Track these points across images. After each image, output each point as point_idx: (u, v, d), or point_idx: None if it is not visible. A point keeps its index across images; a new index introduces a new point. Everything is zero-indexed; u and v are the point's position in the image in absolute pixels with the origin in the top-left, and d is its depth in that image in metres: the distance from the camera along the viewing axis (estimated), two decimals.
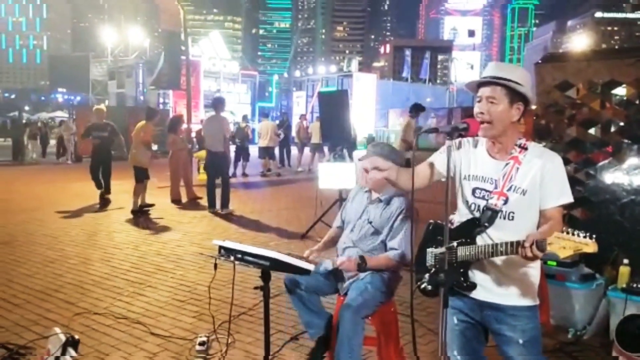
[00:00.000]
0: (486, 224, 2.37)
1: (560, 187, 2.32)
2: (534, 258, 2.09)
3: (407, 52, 53.18)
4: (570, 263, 4.64)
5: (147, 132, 10.44)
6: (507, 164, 2.37)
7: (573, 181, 6.02)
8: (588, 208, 6.05)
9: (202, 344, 4.13)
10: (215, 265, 3.29)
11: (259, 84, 47.02)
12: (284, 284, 3.59)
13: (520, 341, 2.37)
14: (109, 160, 11.20)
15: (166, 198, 11.49)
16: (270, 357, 3.36)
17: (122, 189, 12.17)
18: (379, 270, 3.45)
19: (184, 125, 13.66)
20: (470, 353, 2.52)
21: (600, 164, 5.97)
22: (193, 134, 17.60)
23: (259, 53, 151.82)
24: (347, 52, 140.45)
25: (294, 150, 20.16)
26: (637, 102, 5.76)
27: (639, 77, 5.69)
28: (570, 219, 6.06)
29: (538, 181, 2.31)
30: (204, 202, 11.42)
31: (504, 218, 2.35)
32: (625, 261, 4.60)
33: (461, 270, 2.41)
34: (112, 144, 11.20)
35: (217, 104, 10.18)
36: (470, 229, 2.40)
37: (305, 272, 3.20)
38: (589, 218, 6.03)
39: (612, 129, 5.96)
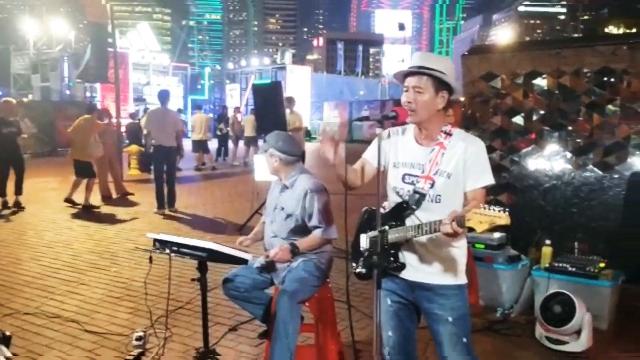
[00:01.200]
0: (414, 207, 2.47)
1: (481, 170, 2.44)
2: (454, 234, 2.18)
3: (340, 45, 53.59)
4: (497, 245, 4.87)
5: (94, 124, 10.17)
6: (433, 150, 2.48)
7: (499, 168, 6.33)
8: (513, 193, 6.34)
9: (139, 339, 4.07)
10: (151, 259, 3.26)
11: (191, 77, 46.16)
12: (225, 294, 3.63)
13: (450, 319, 2.48)
14: (20, 158, 10.16)
15: (96, 194, 11.17)
16: (210, 348, 3.38)
17: (48, 186, 11.73)
18: (309, 256, 3.52)
19: (114, 120, 13.25)
20: (403, 333, 2.62)
21: (524, 151, 6.28)
22: (123, 128, 17.11)
23: (190, 45, 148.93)
24: (280, 44, 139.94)
25: (229, 144, 19.97)
26: (557, 91, 6.07)
27: (558, 68, 6.00)
28: (497, 204, 6.34)
29: (462, 165, 2.43)
30: (135, 198, 11.18)
31: (432, 201, 2.46)
32: (548, 242, 4.86)
33: (392, 252, 2.51)
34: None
35: (163, 96, 9.69)
36: (400, 213, 2.50)
37: (243, 261, 3.24)
38: (514, 203, 6.32)
39: (535, 118, 6.26)
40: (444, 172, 2.44)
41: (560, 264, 4.52)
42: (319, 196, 3.52)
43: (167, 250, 3.18)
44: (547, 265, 4.60)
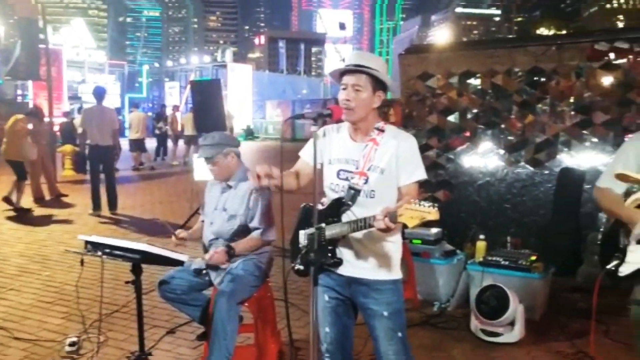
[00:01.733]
0: (350, 203, 2.49)
1: (414, 165, 2.49)
2: (387, 230, 2.21)
3: (282, 44, 53.46)
4: (433, 241, 4.97)
5: (24, 126, 9.77)
6: (366, 146, 2.51)
7: (435, 166, 6.47)
8: (449, 190, 6.50)
9: (72, 344, 3.94)
10: (82, 262, 3.16)
11: (129, 74, 45.00)
12: (161, 296, 3.56)
13: (385, 314, 2.51)
14: None
15: (28, 196, 10.72)
16: (145, 351, 3.30)
17: None
18: (249, 256, 3.49)
19: (46, 119, 12.74)
20: (341, 328, 2.63)
21: (459, 149, 6.44)
22: (56, 127, 16.50)
23: (128, 42, 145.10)
24: (221, 42, 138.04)
25: (169, 143, 19.58)
26: (490, 91, 6.26)
27: (491, 67, 6.18)
28: (434, 201, 6.48)
29: (394, 161, 2.47)
30: (70, 199, 10.80)
31: (366, 196, 2.48)
32: (481, 237, 5.00)
33: (329, 248, 2.52)
34: None
35: (99, 93, 9.27)
36: (337, 209, 2.52)
37: (178, 263, 3.18)
38: (451, 199, 6.48)
39: (469, 116, 6.43)
40: (377, 168, 2.47)
41: (494, 258, 4.66)
42: (263, 196, 3.49)
43: (99, 253, 3.09)
44: (481, 259, 4.73)
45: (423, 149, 6.50)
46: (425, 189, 6.49)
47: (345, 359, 2.68)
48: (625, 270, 2.41)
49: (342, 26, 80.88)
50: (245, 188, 3.54)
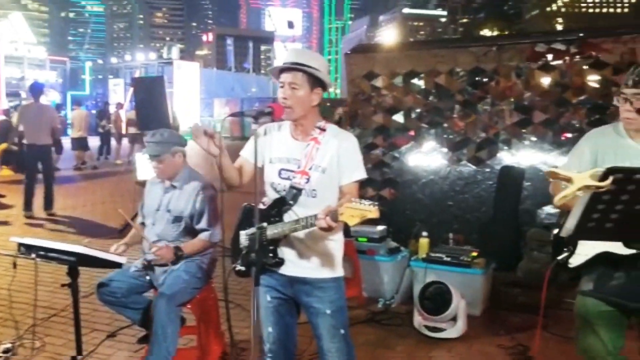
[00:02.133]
0: (291, 202, 2.49)
1: (355, 164, 2.50)
2: (329, 229, 2.21)
3: (229, 42, 52.90)
4: (378, 238, 5.02)
5: None
6: (308, 145, 2.51)
7: (380, 164, 6.54)
8: (394, 188, 6.58)
9: (6, 351, 3.79)
10: (15, 265, 3.04)
11: (71, 71, 43.62)
12: (100, 300, 3.46)
13: (328, 312, 2.52)
14: None
15: None
16: (83, 356, 3.21)
17: None
18: (192, 257, 3.43)
19: None
20: (284, 328, 2.62)
21: (404, 147, 6.52)
22: None
23: (70, 38, 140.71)
24: (167, 39, 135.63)
25: (112, 142, 19.09)
26: (434, 90, 6.36)
27: (434, 68, 6.29)
28: (380, 198, 6.55)
29: (336, 160, 2.48)
30: (7, 200, 10.38)
31: (308, 195, 2.48)
32: (424, 234, 5.07)
33: (271, 248, 2.50)
34: None
35: (36, 90, 8.87)
36: (278, 208, 2.51)
37: (116, 265, 3.10)
38: (396, 197, 6.56)
39: (413, 116, 6.52)
40: (318, 167, 2.47)
41: (436, 255, 4.74)
42: (210, 196, 3.44)
43: (33, 255, 2.98)
44: (424, 256, 4.80)
45: (369, 147, 6.56)
46: (372, 187, 6.55)
47: (288, 359, 2.67)
48: (575, 261, 2.47)
49: (290, 25, 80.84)
50: (191, 189, 3.48)
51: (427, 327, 4.23)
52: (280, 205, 2.50)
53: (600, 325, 2.46)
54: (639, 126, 2.33)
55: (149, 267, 3.46)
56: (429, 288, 4.32)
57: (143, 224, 3.67)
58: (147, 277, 3.50)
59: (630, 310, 2.43)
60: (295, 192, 2.48)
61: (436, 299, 4.25)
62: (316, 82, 2.46)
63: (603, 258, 2.38)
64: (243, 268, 2.57)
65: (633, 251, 2.10)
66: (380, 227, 5.09)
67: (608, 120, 5.47)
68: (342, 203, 2.17)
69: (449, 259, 4.67)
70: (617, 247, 2.26)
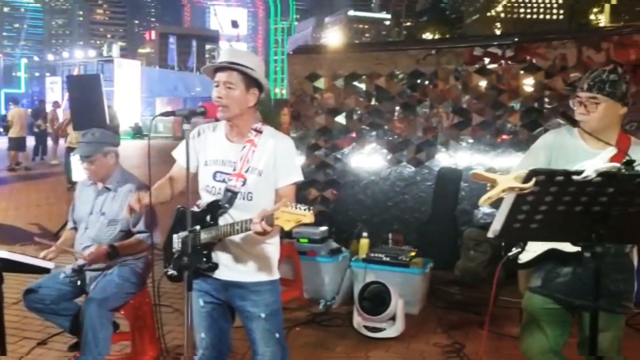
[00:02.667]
0: (227, 205, 2.44)
1: (291, 167, 2.48)
2: (264, 233, 2.19)
3: (172, 40, 51.95)
4: (320, 239, 5.02)
5: None
6: (244, 147, 2.47)
7: (323, 165, 6.56)
8: (337, 189, 6.62)
9: None
10: None
11: (5, 68, 41.87)
12: (27, 307, 3.32)
13: (263, 315, 2.48)
14: None
15: None
16: None
17: None
18: (126, 261, 3.34)
19: None
20: (217, 333, 2.57)
21: (346, 149, 6.57)
22: None
23: (5, 34, 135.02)
24: (108, 36, 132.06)
25: (49, 142, 18.38)
26: (375, 92, 6.44)
27: (375, 70, 6.36)
28: (323, 199, 6.58)
29: (272, 162, 2.45)
30: None
31: (244, 198, 2.44)
32: (365, 234, 5.11)
33: (204, 252, 2.45)
34: None
35: None
36: (213, 211, 2.46)
37: (44, 270, 2.98)
38: (338, 198, 6.60)
39: (355, 117, 6.58)
40: (255, 170, 2.44)
41: (376, 255, 4.78)
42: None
43: None
44: (364, 256, 4.84)
45: (312, 148, 6.57)
46: (315, 188, 6.57)
47: None
48: (524, 257, 2.53)
49: (234, 24, 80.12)
50: (126, 191, 3.38)
51: (366, 327, 4.25)
52: (215, 209, 2.45)
53: (546, 322, 2.54)
54: (591, 128, 2.40)
55: (80, 272, 3.34)
56: (368, 288, 4.35)
57: (75, 229, 3.53)
58: (78, 283, 3.37)
59: (576, 306, 2.51)
60: (231, 195, 2.43)
61: (375, 299, 4.28)
62: (252, 82, 2.42)
63: (551, 255, 2.45)
64: (175, 272, 2.52)
65: (579, 248, 2.18)
66: (322, 228, 5.09)
67: (542, 123, 5.69)
68: (277, 207, 2.16)
69: (388, 259, 4.72)
70: (565, 244, 2.32)
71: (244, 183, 2.43)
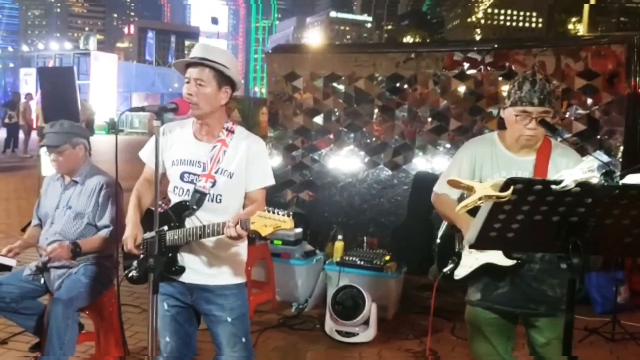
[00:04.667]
0: (195, 207, 2.37)
1: (263, 170, 2.42)
2: (238, 238, 2.14)
3: (151, 35, 51.34)
4: (294, 241, 4.95)
5: None
6: (214, 147, 2.39)
7: (300, 166, 6.49)
8: (313, 190, 6.55)
9: None
10: None
11: None
12: None
13: (229, 319, 2.42)
14: None
15: None
16: None
17: None
18: (92, 260, 3.24)
19: None
20: (182, 337, 2.50)
21: (324, 150, 6.51)
22: None
23: None
24: (86, 29, 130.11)
25: (20, 134, 18.01)
26: (353, 94, 6.39)
27: (354, 72, 6.31)
28: (299, 200, 6.51)
29: (244, 164, 2.38)
30: None
31: (212, 200, 2.37)
32: (340, 237, 5.06)
33: (170, 254, 2.38)
34: None
35: None
36: (180, 212, 2.39)
37: (6, 268, 2.88)
38: (315, 200, 6.54)
39: (333, 119, 6.52)
40: (225, 171, 2.37)
41: (350, 258, 4.74)
42: (114, 193, 3.25)
43: None
44: (338, 259, 4.78)
45: (289, 149, 6.51)
46: (290, 189, 6.50)
47: None
48: (460, 273, 2.53)
49: (214, 21, 79.65)
50: (94, 184, 3.29)
51: (338, 331, 4.20)
52: (182, 210, 2.38)
53: (490, 332, 2.56)
54: (536, 142, 2.41)
55: (44, 269, 3.23)
56: (342, 292, 4.29)
57: (39, 225, 3.42)
58: (42, 281, 3.26)
59: (517, 315, 2.54)
60: (200, 197, 2.36)
61: (348, 304, 4.23)
62: (224, 80, 2.35)
63: (487, 269, 2.44)
64: (136, 274, 2.44)
65: (513, 262, 2.18)
66: (297, 230, 5.02)
67: None
68: (252, 211, 2.12)
69: (362, 262, 4.68)
70: (499, 259, 2.33)
71: (214, 184, 2.36)
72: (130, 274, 2.47)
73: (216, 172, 2.36)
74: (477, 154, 2.56)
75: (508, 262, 2.26)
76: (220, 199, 2.37)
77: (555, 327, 2.38)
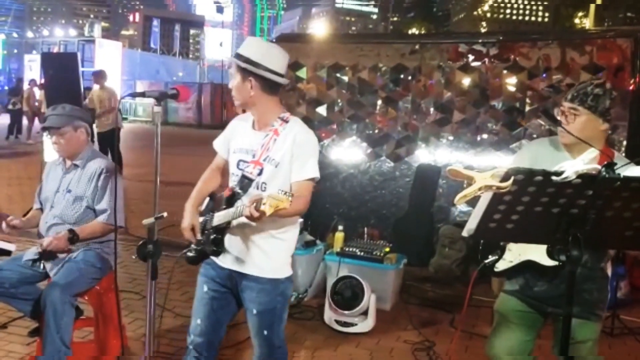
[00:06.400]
0: (240, 192, 2.43)
1: (303, 162, 2.40)
2: (252, 218, 2.15)
3: (156, 23, 51.22)
4: None
5: None
6: (266, 135, 2.44)
7: None
8: (316, 182, 6.54)
9: None
10: None
11: None
12: None
13: (254, 311, 2.47)
14: None
15: None
16: None
17: None
18: (92, 245, 3.24)
19: None
20: (213, 323, 2.55)
21: (326, 140, 6.50)
22: None
23: None
24: (91, 16, 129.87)
25: (24, 120, 18.01)
26: (357, 84, 6.36)
27: (358, 62, 6.29)
28: None
29: (289, 154, 2.39)
30: None
31: (257, 188, 2.42)
32: (340, 228, 5.06)
33: (215, 236, 2.45)
34: None
35: None
36: (230, 198, 2.46)
37: (5, 253, 2.88)
38: (316, 190, 6.51)
39: (336, 109, 6.50)
40: (272, 160, 2.41)
41: (350, 249, 4.73)
42: (113, 178, 3.24)
43: None
44: (338, 250, 4.78)
45: None
46: (310, 180, 6.47)
47: (210, 356, 2.60)
48: (500, 266, 2.52)
49: (219, 9, 79.23)
50: (94, 167, 3.29)
51: (337, 321, 4.20)
52: (234, 196, 2.46)
53: (517, 325, 2.54)
54: (569, 140, 2.35)
55: (43, 255, 3.23)
56: (341, 282, 4.30)
57: (41, 209, 3.42)
58: (42, 266, 3.26)
59: (548, 313, 2.51)
60: (246, 182, 2.43)
61: (347, 294, 4.23)
62: (247, 72, 2.40)
63: (528, 266, 2.43)
64: (192, 254, 2.55)
65: (555, 263, 2.16)
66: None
67: (522, 123, 5.68)
68: (267, 194, 2.15)
69: (362, 253, 4.67)
70: (541, 257, 2.30)
71: (261, 172, 2.41)
72: (188, 254, 2.54)
73: (264, 160, 2.41)
74: (538, 154, 2.51)
75: (550, 263, 2.23)
76: (265, 187, 2.40)
77: (585, 331, 2.36)
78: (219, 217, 2.43)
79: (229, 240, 2.47)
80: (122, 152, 8.87)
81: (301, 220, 5.07)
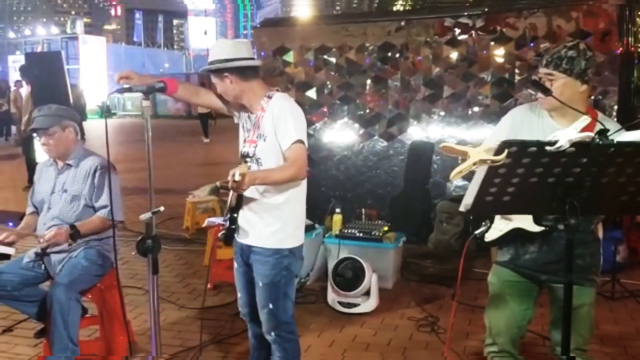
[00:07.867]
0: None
1: (285, 128, 2.48)
2: (235, 187, 2.26)
3: (138, 15, 50.75)
4: None
5: None
6: (257, 115, 2.59)
7: None
8: (310, 165, 6.51)
9: None
10: None
11: None
12: None
13: (260, 284, 2.61)
14: None
15: None
16: None
17: None
18: (92, 243, 3.24)
19: None
20: (250, 293, 2.71)
21: (318, 124, 6.49)
22: None
23: None
24: (73, 12, 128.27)
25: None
26: (345, 65, 6.33)
27: (345, 43, 6.25)
28: None
29: (272, 126, 2.51)
30: None
31: (255, 163, 2.57)
32: (338, 210, 5.06)
33: (232, 215, 2.61)
34: None
35: None
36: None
37: (4, 257, 2.87)
38: (311, 174, 6.52)
39: (326, 92, 6.48)
40: (262, 136, 2.55)
41: (349, 230, 4.75)
42: (109, 174, 3.22)
43: None
44: (337, 232, 4.80)
45: None
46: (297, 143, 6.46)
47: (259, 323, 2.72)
48: (490, 236, 2.51)
49: None
50: (88, 165, 3.28)
51: (340, 303, 4.23)
52: None
53: (512, 295, 2.53)
54: (549, 106, 2.33)
55: (44, 255, 3.23)
56: (342, 264, 4.31)
57: (35, 213, 3.40)
58: (43, 268, 3.26)
59: (542, 281, 2.51)
60: (247, 160, 2.56)
61: (349, 275, 4.25)
62: (219, 72, 2.54)
63: (516, 233, 2.43)
64: (223, 236, 2.65)
65: (542, 228, 2.15)
66: None
67: (512, 94, 5.68)
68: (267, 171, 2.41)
69: (361, 234, 4.69)
70: (529, 224, 2.30)
71: (255, 148, 2.55)
72: (219, 236, 2.66)
73: (257, 137, 2.56)
74: (517, 121, 2.48)
75: (537, 228, 2.22)
76: (260, 162, 2.55)
77: (580, 296, 2.32)
78: (230, 197, 2.61)
79: (242, 216, 2.62)
80: (111, 147, 8.82)
81: None
